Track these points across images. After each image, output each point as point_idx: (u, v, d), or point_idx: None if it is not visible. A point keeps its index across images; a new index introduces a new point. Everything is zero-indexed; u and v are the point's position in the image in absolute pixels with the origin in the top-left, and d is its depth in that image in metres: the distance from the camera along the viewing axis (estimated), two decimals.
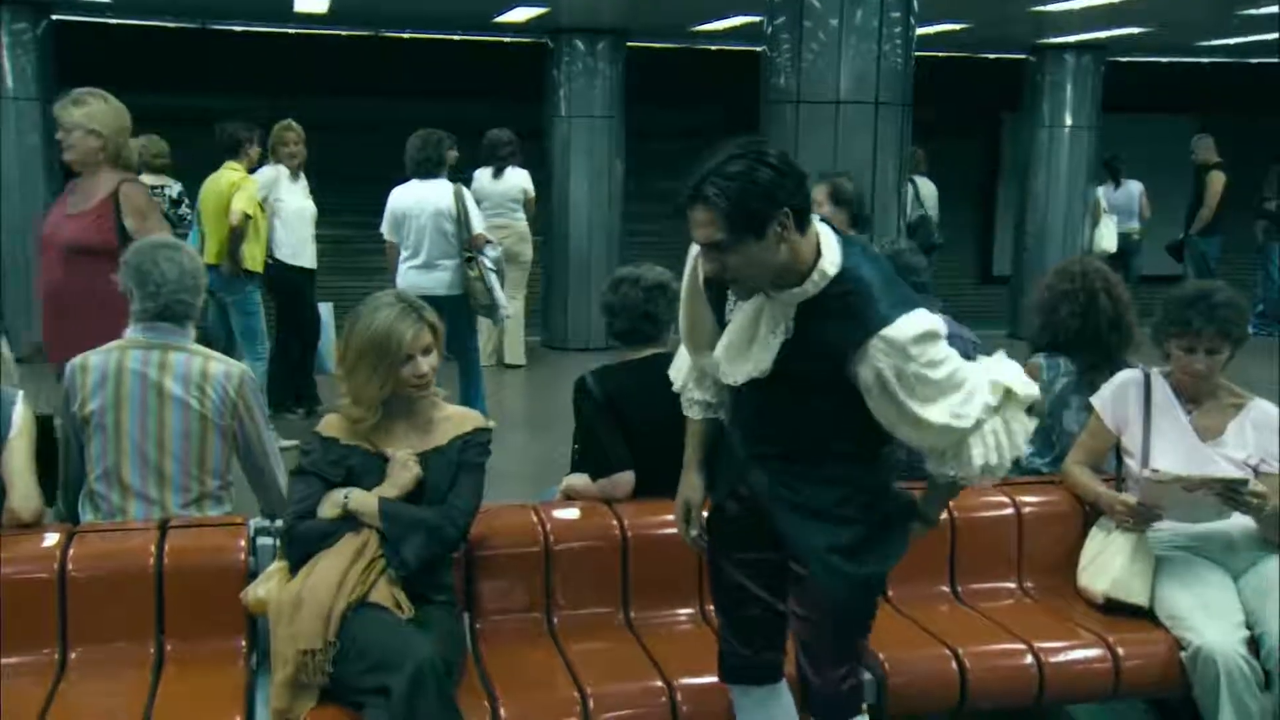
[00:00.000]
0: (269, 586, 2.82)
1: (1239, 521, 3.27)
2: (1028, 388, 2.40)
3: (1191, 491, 3.16)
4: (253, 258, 6.65)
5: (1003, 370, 2.41)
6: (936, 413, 2.28)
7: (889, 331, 2.26)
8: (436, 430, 2.98)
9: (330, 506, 2.85)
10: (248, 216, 6.54)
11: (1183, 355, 3.33)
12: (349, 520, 2.84)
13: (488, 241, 6.36)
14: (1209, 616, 3.15)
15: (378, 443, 2.94)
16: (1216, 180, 10.66)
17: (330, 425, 2.97)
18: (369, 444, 2.93)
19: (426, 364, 2.90)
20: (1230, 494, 3.13)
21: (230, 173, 6.74)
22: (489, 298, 6.24)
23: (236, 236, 6.52)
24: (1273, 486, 3.19)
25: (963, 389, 2.32)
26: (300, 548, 2.84)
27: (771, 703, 2.73)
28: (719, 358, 2.47)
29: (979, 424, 2.32)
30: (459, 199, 6.24)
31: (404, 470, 2.88)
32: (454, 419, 3.02)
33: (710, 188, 2.21)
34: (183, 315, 3.32)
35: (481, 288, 6.18)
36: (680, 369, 2.78)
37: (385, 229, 6.41)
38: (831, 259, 2.33)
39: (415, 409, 2.98)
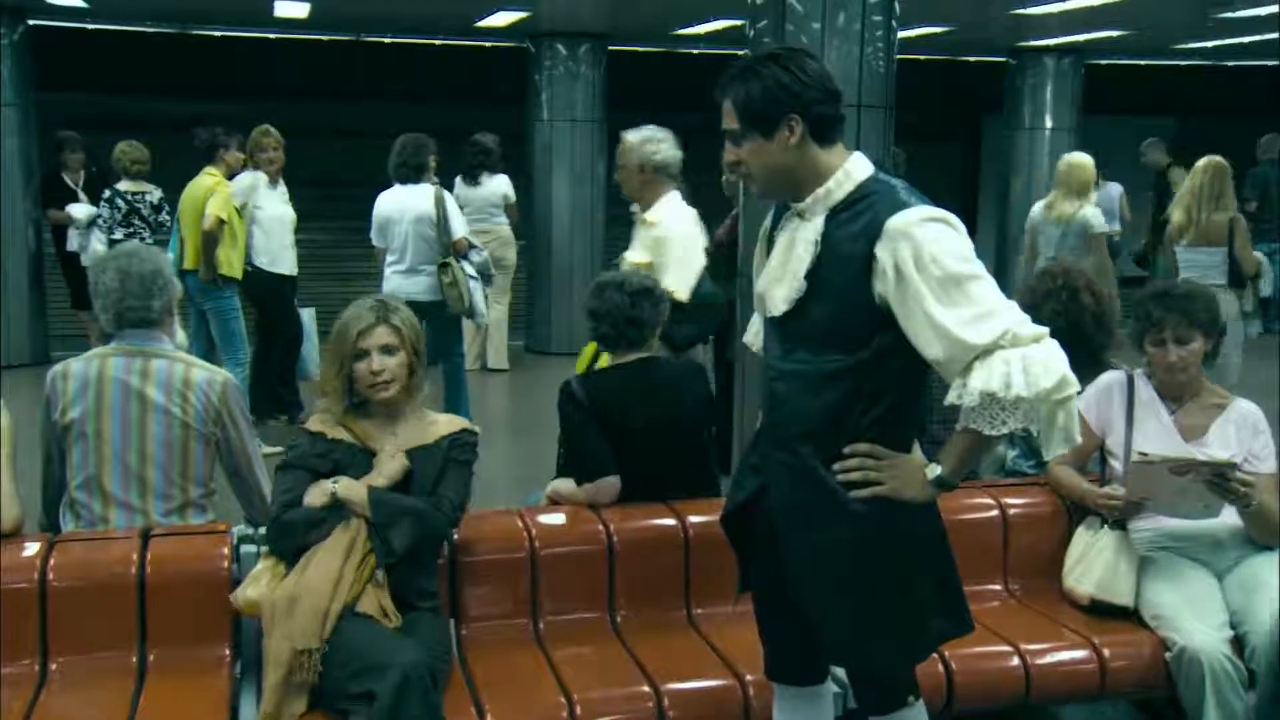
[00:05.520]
0: (260, 587, 2.80)
1: (1226, 522, 3.28)
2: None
3: (1180, 475, 3.15)
4: (229, 263, 6.62)
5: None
6: (951, 317, 2.19)
7: (904, 213, 2.25)
8: (424, 432, 3.00)
9: (318, 494, 2.85)
10: (222, 221, 6.51)
11: (1156, 350, 3.36)
12: (336, 510, 2.83)
13: (471, 246, 6.34)
14: (1194, 617, 3.16)
15: (365, 440, 2.96)
16: (1181, 178, 10.70)
17: (317, 421, 3.01)
18: (356, 440, 2.95)
19: (381, 362, 2.90)
20: (1218, 480, 3.13)
21: (207, 178, 6.71)
22: (461, 305, 6.19)
23: (210, 241, 6.49)
24: (1263, 487, 3.20)
25: (983, 305, 2.21)
26: (287, 538, 2.84)
27: (807, 706, 2.69)
28: (761, 289, 2.48)
29: (991, 349, 2.19)
30: (439, 203, 6.23)
31: (392, 461, 2.89)
32: (441, 423, 3.05)
33: (733, 81, 2.36)
34: (139, 321, 3.28)
35: (456, 294, 6.14)
36: (753, 325, 2.78)
37: (373, 235, 6.40)
38: (860, 166, 2.36)
39: (401, 414, 3.00)
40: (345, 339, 2.92)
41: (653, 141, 4.32)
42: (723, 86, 2.38)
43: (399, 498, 2.87)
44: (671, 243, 4.19)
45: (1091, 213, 7.08)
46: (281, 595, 2.72)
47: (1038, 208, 7.41)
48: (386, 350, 2.92)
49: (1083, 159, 7.34)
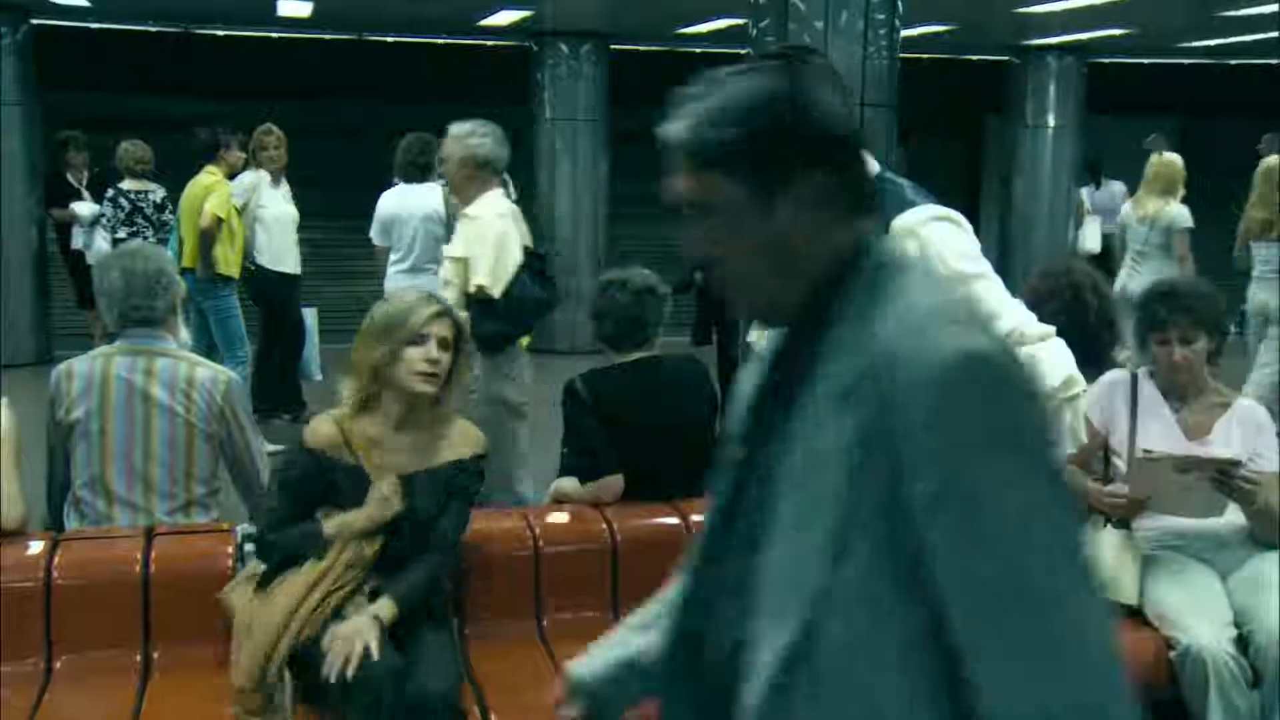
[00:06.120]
0: (243, 594, 2.79)
1: (1230, 521, 3.28)
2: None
3: (1184, 473, 3.14)
4: (226, 261, 6.63)
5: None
6: None
7: (911, 212, 2.26)
8: (431, 449, 2.85)
9: (366, 630, 2.62)
10: (220, 220, 6.52)
11: (1160, 350, 3.36)
12: (318, 539, 2.76)
13: None
14: (1198, 616, 3.15)
15: (368, 456, 2.81)
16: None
17: (315, 435, 2.84)
18: (354, 458, 2.80)
19: (438, 351, 2.78)
20: (1222, 478, 3.13)
21: (206, 177, 6.72)
22: None
23: (207, 240, 6.50)
24: (1268, 485, 3.20)
25: (989, 304, 2.20)
26: (271, 557, 2.81)
27: None
28: None
29: None
30: (448, 201, 6.23)
31: (383, 505, 2.76)
32: (452, 441, 2.89)
33: None
34: (144, 320, 3.28)
35: None
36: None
37: (374, 234, 6.40)
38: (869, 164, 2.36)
39: (413, 422, 2.85)
40: (404, 323, 2.77)
41: (477, 135, 4.28)
42: None
43: (414, 584, 2.76)
44: (486, 238, 4.15)
45: (1178, 211, 7.21)
46: (243, 620, 2.70)
47: (1126, 207, 7.63)
48: (443, 344, 2.80)
49: (1172, 157, 7.46)
